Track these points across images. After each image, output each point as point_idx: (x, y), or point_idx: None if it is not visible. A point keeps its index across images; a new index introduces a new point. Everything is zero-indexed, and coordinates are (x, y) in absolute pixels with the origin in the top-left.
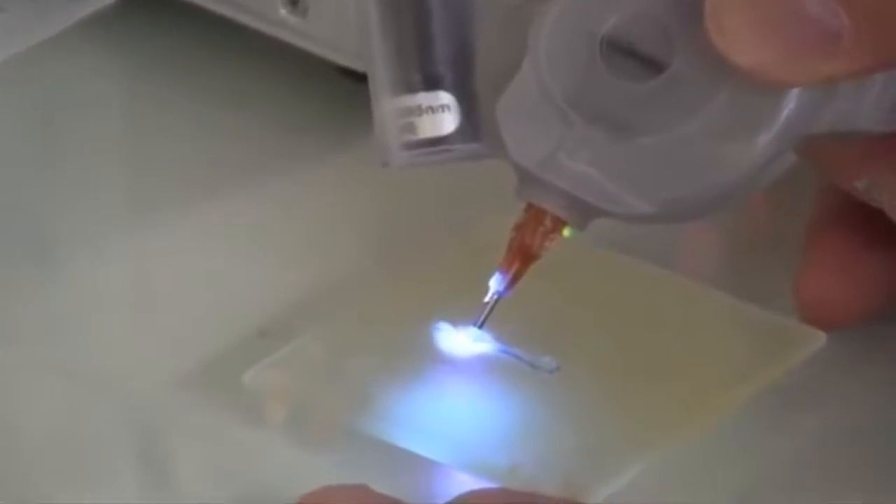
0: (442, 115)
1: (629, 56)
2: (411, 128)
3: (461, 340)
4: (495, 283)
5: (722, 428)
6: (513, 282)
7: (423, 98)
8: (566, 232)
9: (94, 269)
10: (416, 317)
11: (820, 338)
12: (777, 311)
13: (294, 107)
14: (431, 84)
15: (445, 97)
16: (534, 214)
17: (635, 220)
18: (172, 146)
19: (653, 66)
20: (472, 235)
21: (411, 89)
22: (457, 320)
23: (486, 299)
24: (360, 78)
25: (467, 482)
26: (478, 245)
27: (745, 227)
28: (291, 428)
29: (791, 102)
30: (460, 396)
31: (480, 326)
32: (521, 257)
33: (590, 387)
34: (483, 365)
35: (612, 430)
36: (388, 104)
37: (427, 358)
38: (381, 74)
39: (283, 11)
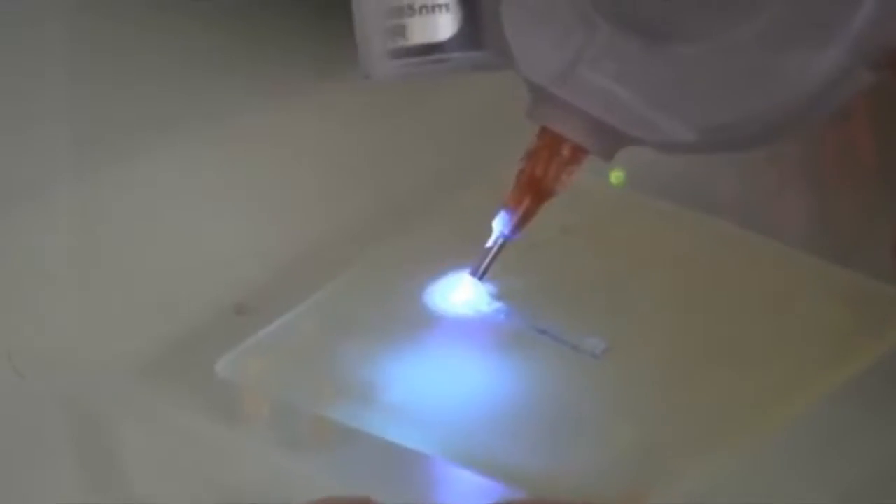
0: (438, 16)
1: None
2: (400, 31)
3: (487, 313)
4: (500, 224)
5: (813, 418)
6: (522, 223)
7: None
8: (614, 178)
9: (33, 229)
10: (426, 286)
11: None
12: (879, 278)
13: (270, 43)
14: None
15: None
16: (548, 141)
17: (672, 149)
18: (130, 90)
19: None
20: (488, 182)
21: None
22: (478, 286)
23: (489, 244)
24: None
25: (494, 490)
26: (497, 193)
27: (840, 177)
28: (275, 425)
29: (867, 3)
30: (483, 384)
31: (481, 277)
32: (532, 192)
33: (648, 371)
34: (512, 345)
35: (676, 423)
36: (371, 2)
37: (441, 338)
38: None
39: None
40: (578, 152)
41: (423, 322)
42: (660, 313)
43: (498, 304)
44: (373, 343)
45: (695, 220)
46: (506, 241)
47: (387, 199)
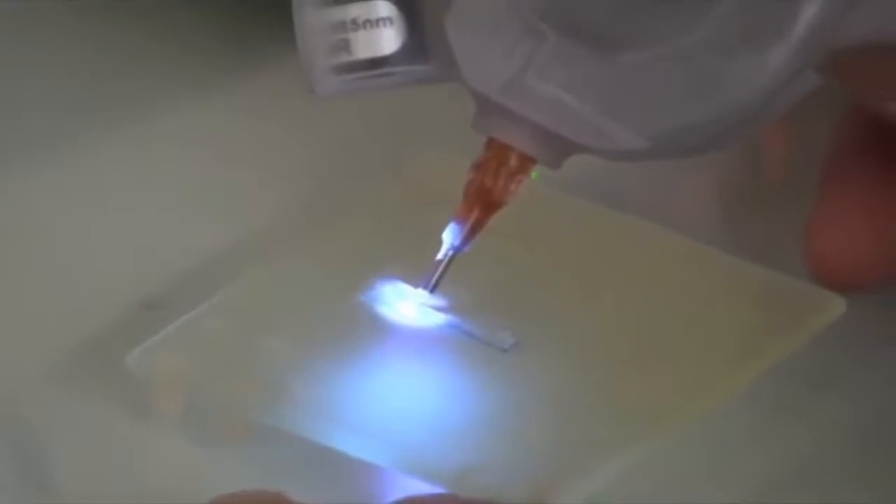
0: (381, 30)
1: None
2: (344, 46)
3: (405, 310)
4: (450, 237)
5: (724, 414)
6: (471, 234)
7: (358, 9)
8: (533, 174)
9: None
10: (342, 282)
11: (839, 304)
12: (788, 273)
13: (184, 39)
14: None
15: (385, 7)
16: (496, 151)
17: (621, 157)
18: (36, 92)
19: None
20: (408, 177)
21: None
22: (394, 282)
23: (440, 256)
24: None
25: (406, 486)
26: (416, 189)
27: (748, 173)
28: (187, 421)
29: (813, 5)
30: (397, 381)
31: (432, 290)
32: (482, 204)
33: (559, 366)
34: (425, 341)
35: (587, 419)
36: (313, 17)
37: (357, 334)
38: None
39: None
40: (526, 162)
41: (334, 318)
42: (571, 309)
43: (433, 303)
44: (284, 338)
45: (609, 217)
46: (456, 253)
47: (300, 196)
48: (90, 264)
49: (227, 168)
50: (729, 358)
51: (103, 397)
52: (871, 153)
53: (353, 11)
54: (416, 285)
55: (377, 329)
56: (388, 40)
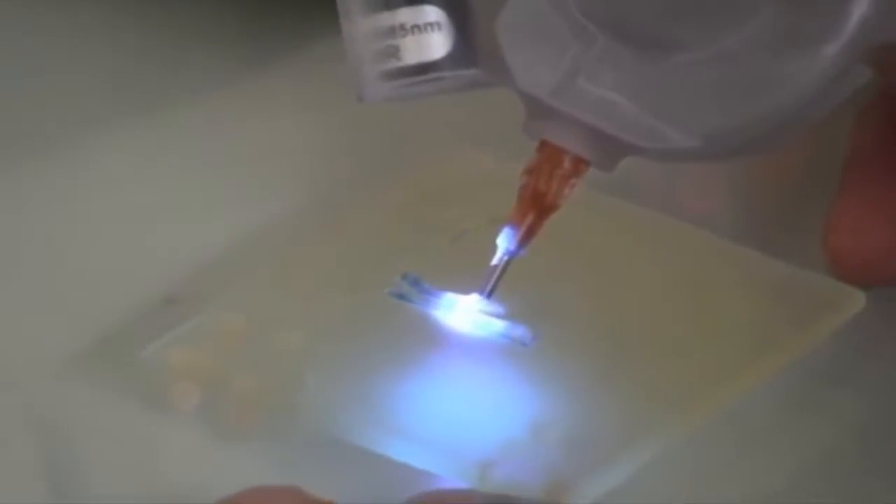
0: (430, 35)
1: None
2: (393, 52)
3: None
4: (505, 241)
5: (741, 411)
6: (525, 238)
7: (406, 14)
8: None
9: None
10: (358, 276)
11: (858, 298)
12: (808, 268)
13: (200, 32)
14: None
15: (433, 13)
16: (549, 155)
17: (673, 157)
18: (55, 85)
19: None
20: (421, 171)
21: (391, 4)
22: (412, 279)
23: (495, 261)
24: None
25: (424, 482)
26: (429, 183)
27: (767, 167)
28: (203, 415)
29: (862, 3)
30: (415, 376)
31: (489, 296)
32: (536, 208)
33: (579, 361)
34: (443, 335)
35: (607, 414)
36: (361, 23)
37: (373, 328)
38: None
39: None
40: (580, 164)
41: (350, 313)
42: (590, 304)
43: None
44: (300, 333)
45: (623, 210)
46: (511, 258)
47: (316, 191)
48: (109, 259)
49: (245, 163)
50: (748, 353)
51: (120, 391)
52: (891, 148)
53: (402, 17)
54: (436, 284)
55: (393, 323)
56: (437, 45)
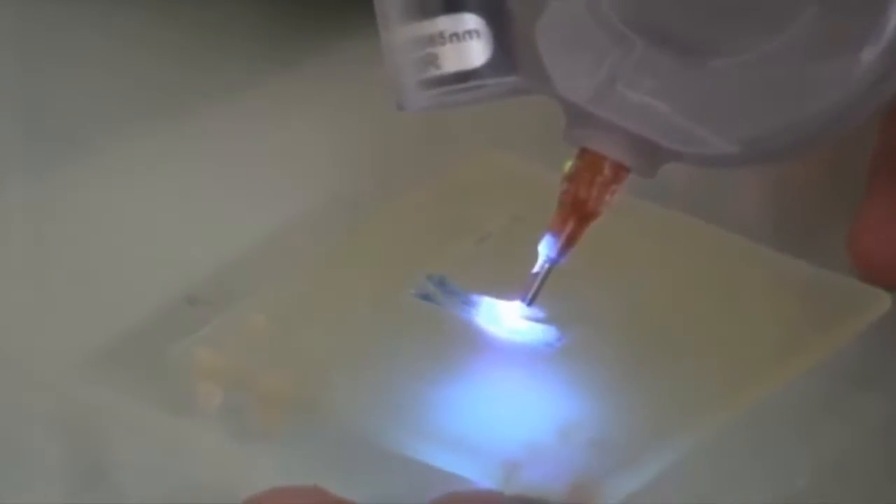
0: (469, 43)
1: None
2: (432, 60)
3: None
4: (546, 249)
5: (766, 412)
6: (567, 246)
7: (445, 22)
8: (566, 167)
9: None
10: (383, 277)
11: (884, 300)
12: (834, 270)
13: (227, 34)
14: (454, 4)
15: (472, 20)
16: (589, 162)
17: (714, 163)
18: (83, 85)
19: None
20: (447, 172)
21: (429, 12)
22: (437, 280)
23: (536, 269)
24: None
25: (449, 482)
26: (455, 184)
27: (794, 170)
28: (227, 415)
29: None
30: (441, 377)
31: (530, 303)
32: (577, 215)
33: (605, 362)
34: (469, 337)
35: (630, 416)
36: (400, 32)
37: (398, 329)
38: None
39: None
40: (620, 171)
41: (376, 313)
42: (616, 305)
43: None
44: (325, 334)
45: (649, 211)
46: (553, 265)
47: (342, 191)
48: (133, 259)
49: (270, 164)
50: (774, 354)
51: (144, 391)
52: None
53: (441, 25)
54: (462, 286)
55: (418, 325)
56: (476, 53)
